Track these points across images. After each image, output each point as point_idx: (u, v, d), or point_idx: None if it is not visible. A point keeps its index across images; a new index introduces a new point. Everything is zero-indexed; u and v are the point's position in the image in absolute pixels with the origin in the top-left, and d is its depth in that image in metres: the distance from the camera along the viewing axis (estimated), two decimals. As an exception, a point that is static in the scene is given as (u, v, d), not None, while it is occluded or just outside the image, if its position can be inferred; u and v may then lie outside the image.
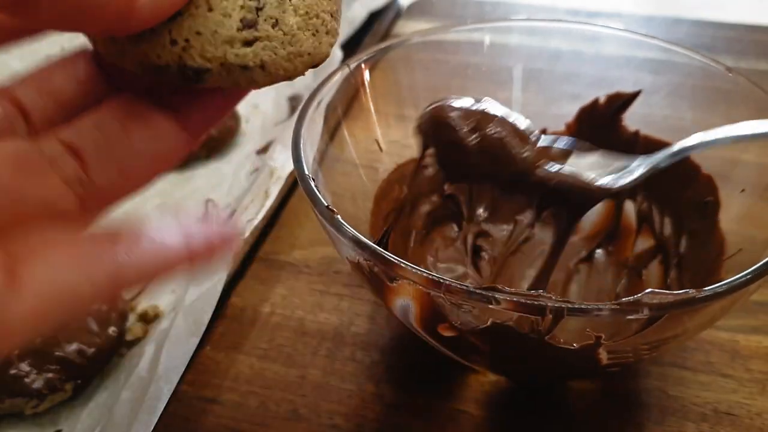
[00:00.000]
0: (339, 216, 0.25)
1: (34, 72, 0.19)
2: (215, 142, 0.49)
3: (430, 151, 0.34)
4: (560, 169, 0.32)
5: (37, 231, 0.16)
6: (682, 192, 0.35)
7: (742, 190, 0.31)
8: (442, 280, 0.22)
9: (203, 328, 0.34)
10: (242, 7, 0.18)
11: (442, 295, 0.22)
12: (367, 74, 0.35)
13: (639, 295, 0.21)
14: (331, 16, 0.19)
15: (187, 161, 0.48)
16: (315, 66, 0.19)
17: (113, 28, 0.16)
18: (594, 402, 0.32)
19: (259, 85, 0.18)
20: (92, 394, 0.33)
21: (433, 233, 0.39)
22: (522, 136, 0.31)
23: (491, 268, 0.38)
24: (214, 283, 0.35)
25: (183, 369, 0.33)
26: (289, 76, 0.19)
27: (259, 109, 0.53)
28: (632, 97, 0.36)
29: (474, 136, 0.30)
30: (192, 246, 0.18)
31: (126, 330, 0.35)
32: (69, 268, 0.15)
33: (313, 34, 0.18)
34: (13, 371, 0.31)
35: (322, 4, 0.19)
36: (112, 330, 0.34)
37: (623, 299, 0.21)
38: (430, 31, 0.37)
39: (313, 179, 0.27)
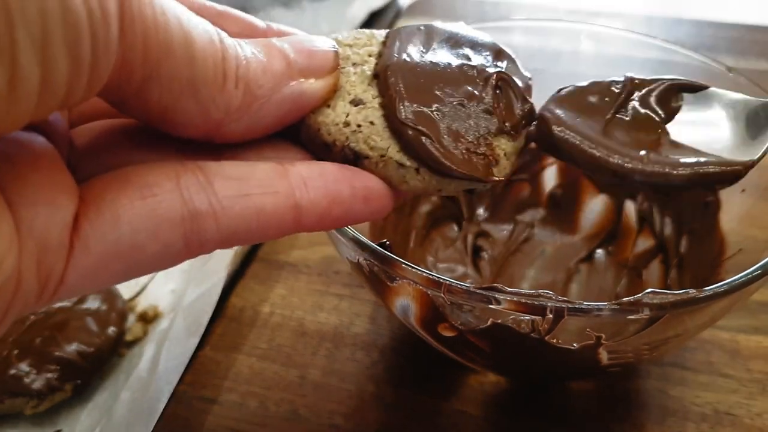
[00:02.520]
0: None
1: None
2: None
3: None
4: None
5: (118, 179, 0.15)
6: (683, 192, 0.35)
7: (743, 190, 0.31)
8: (442, 280, 0.22)
9: (203, 329, 0.34)
10: None
11: (442, 295, 0.22)
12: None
13: (639, 295, 0.21)
14: (505, 154, 0.20)
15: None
16: (470, 190, 0.20)
17: (206, 138, 0.17)
18: (594, 402, 0.32)
19: (409, 187, 0.19)
20: (92, 394, 0.33)
21: (433, 233, 0.39)
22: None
23: (491, 268, 0.38)
24: (213, 283, 0.35)
25: (183, 369, 0.33)
26: (440, 189, 0.19)
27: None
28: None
29: None
30: (304, 205, 0.16)
31: (126, 330, 0.35)
32: (139, 226, 0.14)
33: (482, 161, 0.19)
34: (12, 371, 0.31)
35: (500, 141, 0.20)
36: (111, 330, 0.34)
37: (623, 299, 0.21)
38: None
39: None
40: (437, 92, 0.19)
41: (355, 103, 0.18)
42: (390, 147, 0.18)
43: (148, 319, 0.36)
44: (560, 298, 0.21)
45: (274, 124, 0.17)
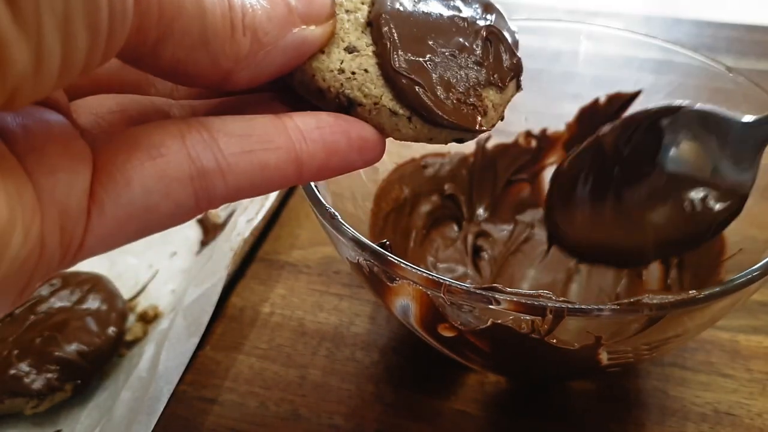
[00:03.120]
0: (339, 216, 0.25)
1: None
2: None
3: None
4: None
5: (127, 142, 0.15)
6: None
7: (743, 190, 0.31)
8: (442, 280, 0.22)
9: (203, 328, 0.34)
10: None
11: (442, 295, 0.22)
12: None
13: (639, 296, 0.21)
14: (492, 106, 0.20)
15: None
16: (459, 139, 0.20)
17: (215, 87, 0.17)
18: (594, 402, 0.32)
19: (401, 134, 0.19)
20: (92, 394, 0.33)
21: (433, 233, 0.39)
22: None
23: (491, 268, 0.38)
24: (213, 283, 0.35)
25: (183, 369, 0.33)
26: (431, 138, 0.20)
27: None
28: (632, 97, 0.36)
29: None
30: (304, 158, 0.17)
31: (126, 330, 0.35)
32: (152, 188, 0.15)
33: (471, 111, 0.20)
34: (13, 371, 0.31)
35: (488, 92, 0.20)
36: (111, 330, 0.34)
37: (624, 300, 0.21)
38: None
39: (313, 179, 0.27)
40: (429, 42, 0.20)
41: (349, 50, 0.19)
42: (383, 95, 0.19)
43: (148, 319, 0.36)
44: (560, 298, 0.21)
45: (278, 70, 0.18)
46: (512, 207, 0.40)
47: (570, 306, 0.21)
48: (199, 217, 0.44)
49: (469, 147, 0.39)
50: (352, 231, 0.24)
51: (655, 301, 0.21)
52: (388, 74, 0.19)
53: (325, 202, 0.25)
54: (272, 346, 0.35)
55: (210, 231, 0.42)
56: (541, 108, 0.39)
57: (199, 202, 0.16)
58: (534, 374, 0.32)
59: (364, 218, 0.34)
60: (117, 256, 0.41)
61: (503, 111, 0.21)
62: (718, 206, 0.23)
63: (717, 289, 0.22)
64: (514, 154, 0.40)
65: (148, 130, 0.16)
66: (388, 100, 0.19)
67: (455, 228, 0.40)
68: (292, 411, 0.32)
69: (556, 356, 0.25)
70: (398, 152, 0.37)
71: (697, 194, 0.24)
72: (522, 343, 0.24)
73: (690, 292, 0.21)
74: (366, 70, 0.19)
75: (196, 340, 0.34)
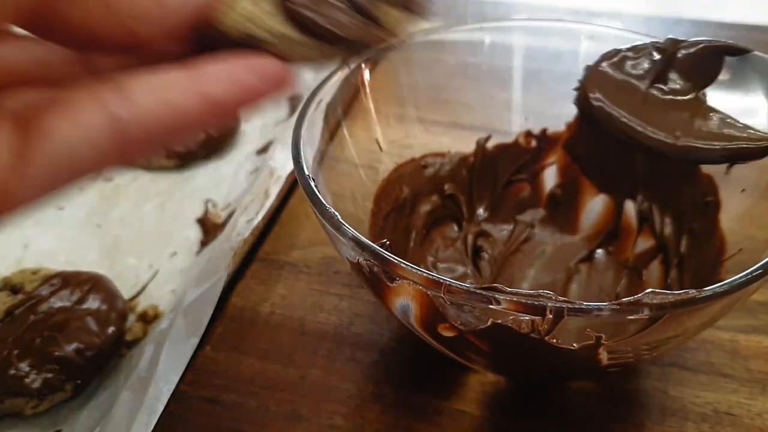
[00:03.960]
0: (339, 216, 0.25)
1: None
2: (215, 142, 0.49)
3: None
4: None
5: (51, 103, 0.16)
6: (683, 192, 0.35)
7: (743, 190, 0.31)
8: (442, 280, 0.22)
9: (203, 328, 0.34)
10: None
11: (442, 295, 0.22)
12: (367, 74, 0.35)
13: (639, 295, 0.21)
14: (391, 19, 0.21)
15: (186, 161, 0.48)
16: (355, 49, 0.21)
17: (132, 51, 0.19)
18: (594, 402, 0.32)
19: (303, 58, 0.21)
20: (92, 394, 0.33)
21: (433, 233, 0.39)
22: None
23: (491, 268, 0.38)
24: (213, 283, 0.35)
25: (183, 369, 0.33)
26: (330, 55, 0.21)
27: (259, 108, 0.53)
28: (632, 96, 0.36)
29: None
30: (212, 94, 0.18)
31: (126, 330, 0.35)
32: (72, 137, 0.16)
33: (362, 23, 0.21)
34: (12, 371, 0.31)
35: (383, 7, 0.21)
36: (111, 330, 0.34)
37: (623, 299, 0.21)
38: (430, 31, 0.37)
39: (313, 179, 0.27)
40: None
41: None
42: (280, 24, 0.20)
43: (148, 319, 0.36)
44: (560, 298, 0.21)
45: (185, 26, 0.19)
46: (512, 207, 0.40)
47: (570, 306, 0.21)
48: (199, 217, 0.44)
49: (469, 147, 0.39)
50: (352, 231, 0.24)
51: (655, 301, 0.21)
52: (282, 4, 0.20)
53: (325, 202, 0.25)
54: (272, 346, 0.35)
55: (210, 231, 0.42)
56: (541, 108, 0.39)
57: (120, 147, 0.17)
58: (534, 374, 0.32)
59: (364, 218, 0.34)
60: (117, 256, 0.41)
61: (405, 27, 0.22)
62: (741, 143, 0.23)
63: (717, 289, 0.21)
64: (514, 154, 0.40)
65: (61, 91, 0.17)
66: (285, 28, 0.20)
67: (455, 228, 0.40)
68: (292, 411, 0.32)
69: (556, 356, 0.25)
70: (398, 152, 0.37)
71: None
72: (522, 343, 0.24)
73: (690, 291, 0.21)
74: (264, 9, 0.20)
75: (196, 340, 0.34)
